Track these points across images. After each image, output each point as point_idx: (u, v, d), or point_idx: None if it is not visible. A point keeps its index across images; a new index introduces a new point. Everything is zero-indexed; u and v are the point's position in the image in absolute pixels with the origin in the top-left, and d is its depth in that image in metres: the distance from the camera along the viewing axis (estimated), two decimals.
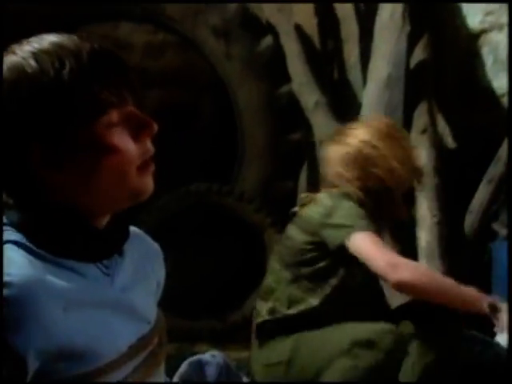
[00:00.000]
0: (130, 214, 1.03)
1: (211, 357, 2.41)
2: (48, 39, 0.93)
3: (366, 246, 1.79)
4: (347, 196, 1.98)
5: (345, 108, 3.64)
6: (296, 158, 3.74)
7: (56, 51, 0.92)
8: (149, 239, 1.12)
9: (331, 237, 1.92)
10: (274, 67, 3.71)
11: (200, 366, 2.38)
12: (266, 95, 3.71)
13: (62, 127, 0.91)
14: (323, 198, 2.04)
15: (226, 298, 3.43)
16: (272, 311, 2.04)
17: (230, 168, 3.75)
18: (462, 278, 3.30)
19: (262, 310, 2.09)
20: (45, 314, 0.88)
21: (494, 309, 1.77)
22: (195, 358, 2.41)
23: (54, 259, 0.93)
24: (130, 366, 0.97)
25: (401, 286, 1.72)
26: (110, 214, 0.99)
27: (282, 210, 3.69)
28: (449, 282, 1.79)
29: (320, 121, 3.48)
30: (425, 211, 3.26)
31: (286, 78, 3.65)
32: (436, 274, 1.84)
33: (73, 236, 0.95)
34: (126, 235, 1.02)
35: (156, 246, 1.13)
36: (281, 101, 3.70)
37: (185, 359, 2.45)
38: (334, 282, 1.96)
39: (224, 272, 3.57)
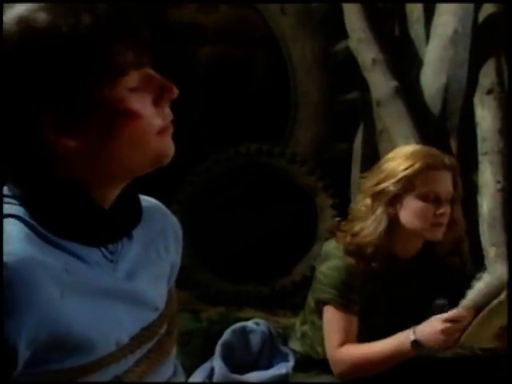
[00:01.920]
0: (177, 175, 0.93)
1: (255, 325, 2.34)
2: None
3: (327, 323, 1.87)
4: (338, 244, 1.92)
5: (404, 66, 3.47)
6: (351, 118, 3.60)
7: (69, 5, 0.83)
8: (166, 213, 1.03)
9: (313, 286, 1.93)
10: (331, 23, 3.56)
11: (244, 334, 2.33)
12: (321, 52, 3.57)
13: (78, 88, 0.83)
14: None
15: (275, 263, 3.35)
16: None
17: (282, 128, 3.63)
18: None
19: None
20: (39, 299, 0.81)
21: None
22: (239, 325, 2.35)
23: (54, 239, 0.86)
24: (130, 360, 0.90)
25: (342, 378, 1.87)
26: (125, 181, 0.91)
27: (336, 174, 3.60)
28: (375, 353, 1.84)
29: (378, 80, 3.32)
30: (488, 177, 3.10)
31: (343, 34, 3.49)
32: (364, 353, 1.85)
33: (75, 216, 0.87)
34: (136, 218, 0.94)
35: (174, 220, 1.04)
36: (337, 58, 3.56)
37: (229, 325, 2.40)
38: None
39: (273, 236, 3.49)
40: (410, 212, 1.83)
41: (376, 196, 1.85)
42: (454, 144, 3.33)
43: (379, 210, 1.84)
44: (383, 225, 1.83)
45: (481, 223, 3.03)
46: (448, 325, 1.77)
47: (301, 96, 3.60)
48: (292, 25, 3.60)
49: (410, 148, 1.94)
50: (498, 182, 3.07)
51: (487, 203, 3.06)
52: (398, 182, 1.83)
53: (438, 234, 1.85)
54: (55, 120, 0.83)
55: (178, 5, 3.72)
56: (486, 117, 3.15)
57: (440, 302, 2.22)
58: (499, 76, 3.19)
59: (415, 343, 1.79)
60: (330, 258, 1.87)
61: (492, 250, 2.99)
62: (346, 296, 1.84)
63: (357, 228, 1.86)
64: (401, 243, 1.86)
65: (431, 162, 1.83)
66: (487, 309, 1.77)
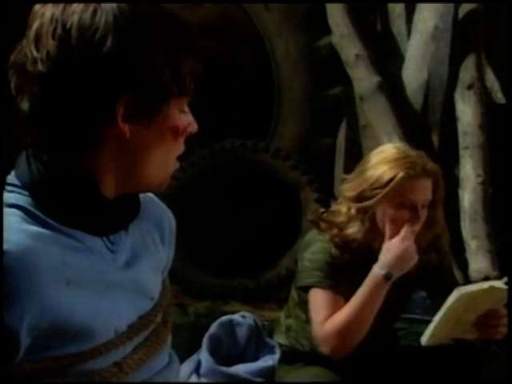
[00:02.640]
0: None
1: (242, 318, 2.37)
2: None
3: (314, 303, 1.87)
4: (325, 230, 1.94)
5: (387, 62, 3.50)
6: (335, 113, 3.62)
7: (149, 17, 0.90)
8: (161, 206, 1.07)
9: (297, 276, 1.94)
10: (314, 18, 3.57)
11: (231, 326, 2.35)
12: (304, 48, 3.59)
13: (155, 87, 0.90)
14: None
15: (260, 257, 3.37)
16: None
17: (267, 123, 3.65)
18: (507, 240, 3.20)
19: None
20: (41, 287, 0.83)
21: None
22: (226, 318, 2.37)
23: (60, 228, 0.89)
24: (129, 347, 0.93)
25: (334, 354, 1.85)
26: (132, 191, 0.97)
27: (320, 168, 3.62)
28: (355, 306, 1.84)
29: (360, 75, 3.35)
30: (469, 171, 3.14)
31: (326, 30, 3.51)
32: (344, 314, 1.84)
33: (83, 205, 0.91)
34: (136, 210, 0.98)
35: (169, 213, 1.08)
36: (320, 53, 3.58)
37: (215, 319, 2.42)
38: None
39: (258, 230, 3.51)
40: (383, 217, 1.86)
41: (359, 203, 1.87)
42: (435, 138, 3.37)
43: (362, 215, 1.87)
44: (366, 226, 1.87)
45: (462, 216, 3.07)
46: (404, 232, 1.81)
47: (285, 91, 3.62)
48: (275, 21, 3.61)
49: (393, 153, 1.91)
50: (479, 175, 3.12)
51: (468, 197, 3.10)
52: (381, 192, 1.84)
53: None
54: (129, 108, 0.88)
55: (163, 1, 3.71)
56: (466, 111, 3.19)
57: (420, 294, 2.26)
58: (479, 71, 3.23)
59: (386, 276, 1.81)
60: (314, 243, 1.90)
61: (473, 242, 3.03)
62: (333, 277, 1.85)
63: (341, 225, 1.89)
64: (379, 239, 1.88)
65: (412, 173, 1.83)
66: (456, 304, 1.77)
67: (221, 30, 3.82)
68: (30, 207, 0.88)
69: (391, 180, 1.83)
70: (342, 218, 1.90)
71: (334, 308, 1.84)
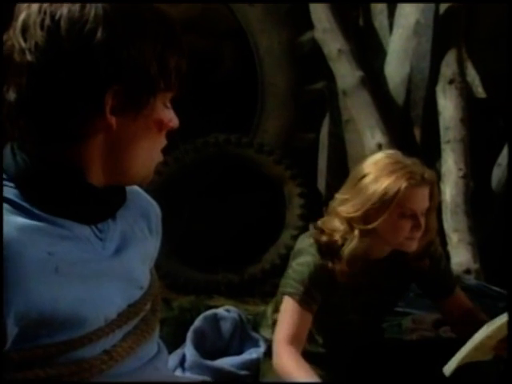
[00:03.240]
0: None
1: (226, 312, 2.38)
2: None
3: (283, 314, 1.86)
4: (312, 242, 1.89)
5: (369, 57, 3.52)
6: (318, 108, 3.64)
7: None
8: (147, 197, 1.08)
9: (281, 283, 1.92)
10: (297, 13, 3.58)
11: (215, 320, 2.35)
12: (287, 43, 3.60)
13: (144, 81, 0.91)
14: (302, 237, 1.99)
15: (244, 252, 3.38)
16: None
17: (250, 118, 3.66)
18: (488, 233, 3.24)
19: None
20: (27, 277, 0.84)
21: None
22: (210, 312, 2.38)
23: (48, 218, 0.89)
24: (118, 335, 0.94)
25: (275, 368, 1.87)
26: (117, 183, 0.98)
27: (303, 163, 3.64)
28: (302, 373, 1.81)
29: (343, 70, 3.37)
30: (450, 165, 3.17)
31: (309, 25, 3.52)
32: (303, 370, 1.82)
33: (70, 194, 0.92)
34: (122, 198, 0.99)
35: (154, 205, 1.09)
36: (303, 48, 3.59)
37: (200, 313, 2.43)
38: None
39: (242, 225, 3.52)
40: (385, 227, 1.82)
41: (365, 224, 1.82)
42: (417, 133, 3.39)
43: (354, 232, 1.82)
44: (366, 242, 1.83)
45: (444, 210, 3.10)
46: None
47: (268, 87, 3.63)
48: (259, 16, 3.61)
49: (390, 163, 1.84)
50: (460, 169, 3.15)
51: (450, 190, 3.13)
52: (388, 208, 1.79)
53: (412, 247, 1.86)
54: (117, 100, 0.89)
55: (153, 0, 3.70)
56: (448, 106, 3.22)
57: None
58: (460, 66, 3.26)
59: None
60: (302, 254, 1.88)
61: (455, 235, 3.06)
62: (309, 293, 1.84)
63: (338, 244, 1.85)
64: (372, 247, 1.87)
65: (414, 182, 1.80)
66: (482, 335, 1.74)
67: (204, 25, 3.81)
68: (15, 199, 0.89)
69: (396, 193, 1.78)
70: (337, 237, 1.85)
71: (298, 327, 1.84)
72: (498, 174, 3.29)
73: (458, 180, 3.14)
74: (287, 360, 1.82)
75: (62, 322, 0.87)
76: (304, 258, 1.87)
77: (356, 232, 1.83)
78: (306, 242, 1.90)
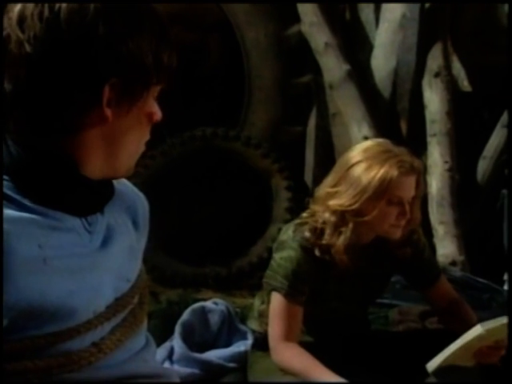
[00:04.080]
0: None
1: (214, 304, 2.38)
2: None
3: (273, 310, 1.87)
4: (298, 233, 1.87)
5: (356, 50, 3.53)
6: (305, 101, 3.64)
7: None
8: (134, 190, 1.08)
9: (266, 275, 1.92)
10: (283, 7, 3.58)
11: (203, 313, 2.36)
12: (274, 36, 3.60)
13: (140, 77, 0.92)
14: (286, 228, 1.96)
15: (232, 245, 3.39)
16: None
17: (237, 111, 3.66)
18: (474, 225, 3.27)
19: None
20: (18, 268, 0.84)
21: None
22: (198, 305, 2.38)
23: (39, 210, 0.90)
24: (107, 327, 0.95)
25: (278, 365, 1.88)
26: (106, 177, 0.98)
27: (290, 156, 3.65)
28: (313, 368, 1.82)
29: (330, 63, 3.38)
30: (436, 157, 3.20)
31: (296, 18, 3.53)
32: (308, 361, 1.84)
33: (64, 186, 0.92)
34: (111, 191, 0.99)
35: (141, 197, 1.09)
36: (289, 42, 3.59)
37: (188, 306, 2.43)
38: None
39: (230, 218, 3.53)
40: (373, 215, 1.80)
41: (362, 217, 1.81)
42: (403, 126, 3.41)
43: (348, 225, 1.81)
44: (348, 234, 1.82)
45: (430, 202, 3.13)
46: None
47: (255, 80, 3.63)
48: (245, 9, 3.61)
49: (381, 151, 1.83)
50: (446, 162, 3.17)
51: (436, 183, 3.16)
52: (376, 194, 1.78)
53: (397, 234, 1.87)
54: (113, 94, 0.90)
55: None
56: (434, 99, 3.24)
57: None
58: (446, 59, 3.28)
59: None
60: (285, 248, 1.87)
61: (440, 227, 3.09)
62: (295, 287, 1.84)
63: (319, 228, 1.84)
64: (355, 234, 1.86)
65: (404, 171, 1.80)
66: (465, 341, 1.72)
67: (190, 18, 3.80)
68: (8, 191, 0.89)
69: (389, 183, 1.78)
70: (328, 230, 1.83)
71: (291, 322, 1.85)
72: (483, 166, 3.31)
73: (444, 173, 3.16)
74: (291, 356, 1.83)
75: (51, 314, 0.87)
76: (287, 252, 1.86)
77: (350, 225, 1.82)
78: (288, 235, 1.89)
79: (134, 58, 0.90)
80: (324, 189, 1.88)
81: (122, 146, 0.94)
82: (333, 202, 1.83)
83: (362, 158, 1.83)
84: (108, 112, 0.90)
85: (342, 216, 1.83)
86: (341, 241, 1.83)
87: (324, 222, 1.85)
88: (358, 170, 1.81)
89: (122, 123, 0.93)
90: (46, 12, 0.86)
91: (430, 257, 2.06)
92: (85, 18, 0.87)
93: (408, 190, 1.84)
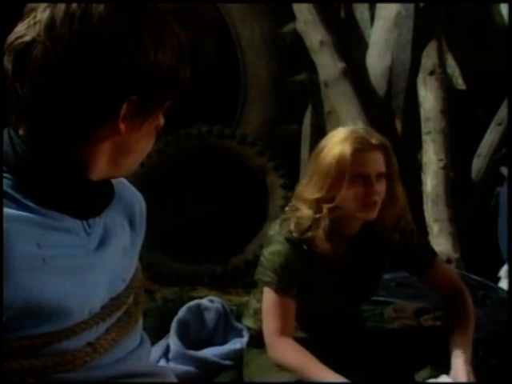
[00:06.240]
0: None
1: (210, 302, 2.39)
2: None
3: (265, 306, 1.89)
4: (284, 228, 1.90)
5: (351, 48, 3.53)
6: (300, 99, 3.65)
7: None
8: (130, 189, 1.09)
9: (256, 271, 1.94)
10: (278, 5, 3.59)
11: (199, 311, 2.36)
12: (269, 34, 3.60)
13: (157, 95, 0.95)
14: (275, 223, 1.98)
15: (227, 243, 3.40)
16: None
17: (233, 109, 3.66)
18: (468, 223, 3.28)
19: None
20: (16, 267, 0.85)
21: None
22: (194, 302, 2.39)
23: (40, 210, 0.90)
24: (102, 327, 0.96)
25: (274, 360, 1.89)
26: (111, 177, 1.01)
27: (286, 154, 3.65)
28: (308, 363, 1.83)
29: (325, 61, 3.38)
30: (431, 155, 3.20)
31: (291, 17, 3.53)
32: (304, 355, 1.84)
33: (69, 188, 0.93)
34: (112, 193, 1.01)
35: (138, 196, 1.10)
36: (285, 40, 3.60)
37: (183, 304, 2.43)
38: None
39: (225, 216, 3.53)
40: (342, 197, 1.84)
41: (331, 202, 1.84)
42: (398, 124, 3.42)
43: (323, 213, 1.85)
44: (327, 222, 1.85)
45: (425, 200, 3.14)
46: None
47: (250, 78, 3.63)
48: (240, 7, 3.61)
49: (342, 133, 1.87)
50: (441, 160, 3.18)
51: (430, 181, 3.17)
52: (338, 174, 1.81)
53: (372, 214, 1.86)
54: (130, 110, 0.92)
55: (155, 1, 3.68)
56: (428, 97, 3.25)
57: (385, 276, 2.28)
58: (440, 57, 3.29)
59: None
60: (272, 243, 1.90)
61: (435, 225, 3.10)
62: (284, 281, 1.86)
63: (300, 222, 1.86)
64: (341, 223, 1.88)
65: (359, 146, 1.82)
66: None
67: (185, 16, 3.80)
68: (9, 190, 0.89)
69: (345, 160, 1.81)
70: (307, 222, 1.86)
71: (284, 316, 1.86)
72: (477, 164, 3.32)
73: (439, 170, 3.17)
74: (286, 351, 1.84)
75: (48, 313, 0.88)
76: (274, 246, 1.89)
77: (325, 211, 1.85)
78: (275, 230, 1.92)
79: (155, 77, 0.92)
80: (301, 182, 1.94)
81: (129, 155, 0.96)
82: (306, 194, 1.88)
83: (327, 142, 1.88)
84: (122, 127, 0.92)
85: (318, 206, 1.86)
86: (320, 230, 1.85)
87: (304, 215, 1.88)
88: (322, 155, 1.87)
89: (133, 136, 0.95)
90: (77, 24, 0.87)
91: (420, 242, 2.05)
92: (115, 35, 0.88)
93: (369, 166, 1.85)
